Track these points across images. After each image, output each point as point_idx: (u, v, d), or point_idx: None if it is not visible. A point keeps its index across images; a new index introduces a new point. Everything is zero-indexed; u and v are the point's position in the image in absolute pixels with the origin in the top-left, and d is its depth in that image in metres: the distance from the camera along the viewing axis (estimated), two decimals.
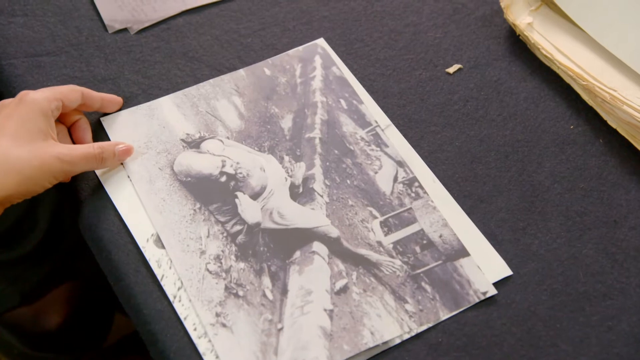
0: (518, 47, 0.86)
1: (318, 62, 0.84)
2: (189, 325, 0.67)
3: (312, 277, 0.70)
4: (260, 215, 0.74)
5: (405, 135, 0.79)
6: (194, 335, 0.67)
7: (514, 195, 0.75)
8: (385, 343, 0.67)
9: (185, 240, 0.72)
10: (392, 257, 0.72)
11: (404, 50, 0.86)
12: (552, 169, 0.77)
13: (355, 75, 0.83)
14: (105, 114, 0.80)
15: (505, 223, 0.74)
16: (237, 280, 0.70)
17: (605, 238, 0.73)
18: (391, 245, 0.72)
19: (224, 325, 0.67)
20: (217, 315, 0.68)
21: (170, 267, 0.70)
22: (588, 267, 0.71)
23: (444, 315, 0.68)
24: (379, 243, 0.72)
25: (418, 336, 0.67)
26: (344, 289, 0.70)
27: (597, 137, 0.79)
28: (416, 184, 0.76)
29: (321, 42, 0.86)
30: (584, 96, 0.81)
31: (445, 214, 0.74)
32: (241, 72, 0.84)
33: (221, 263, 0.71)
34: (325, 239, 0.73)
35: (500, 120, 0.80)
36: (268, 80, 0.83)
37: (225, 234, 0.72)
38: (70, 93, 0.74)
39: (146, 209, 0.73)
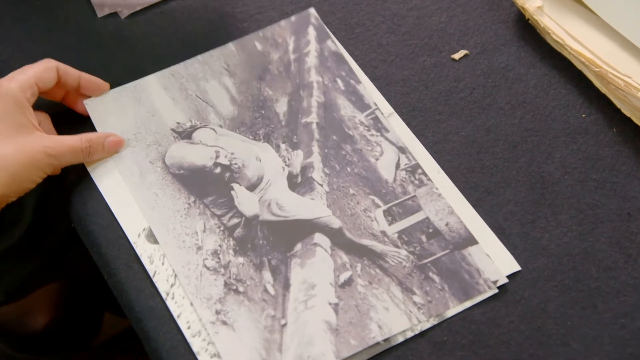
0: (527, 31, 0.85)
1: (312, 34, 0.84)
2: (182, 324, 0.68)
3: (315, 270, 0.71)
4: (258, 207, 0.74)
5: (408, 125, 0.79)
6: (187, 334, 0.68)
7: (522, 187, 0.76)
8: (387, 340, 0.67)
9: (181, 235, 0.72)
10: (397, 247, 0.72)
11: (407, 36, 0.86)
12: (562, 160, 0.77)
13: (356, 61, 0.83)
14: (89, 97, 0.80)
15: (514, 216, 0.74)
16: (236, 275, 0.71)
17: (618, 232, 0.73)
18: (396, 235, 0.73)
19: (224, 322, 0.68)
20: (217, 312, 0.68)
21: (162, 263, 0.71)
22: (600, 262, 0.71)
23: (454, 305, 0.69)
24: (383, 233, 0.73)
25: (422, 334, 0.68)
26: (349, 282, 0.70)
27: (610, 126, 0.79)
28: (419, 170, 0.76)
29: (313, 11, 0.86)
30: (597, 83, 0.81)
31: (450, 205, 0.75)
32: (231, 47, 0.83)
33: (219, 258, 0.71)
34: (327, 230, 0.73)
35: (509, 109, 0.81)
36: (260, 57, 0.83)
37: (222, 228, 0.73)
38: (45, 73, 0.74)
39: (138, 204, 0.74)
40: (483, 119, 0.80)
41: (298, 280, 0.70)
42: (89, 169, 0.76)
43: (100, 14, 0.87)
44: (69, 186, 0.76)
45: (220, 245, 0.72)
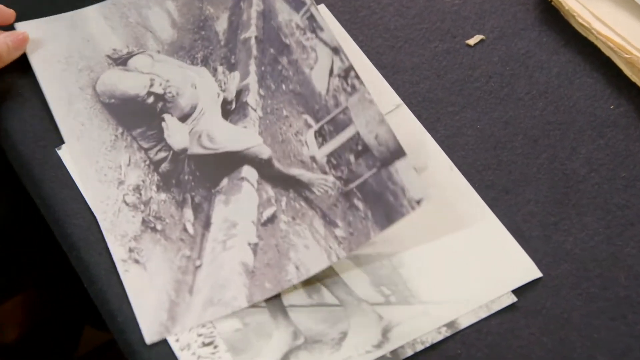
0: (549, 14, 0.86)
1: None
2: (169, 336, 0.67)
3: (239, 208, 0.72)
4: (187, 140, 0.77)
5: (418, 117, 0.79)
6: (175, 347, 0.67)
7: (544, 186, 0.75)
8: (394, 353, 0.67)
9: (103, 169, 0.74)
10: (325, 173, 0.74)
11: (417, 19, 0.86)
12: (588, 156, 0.77)
13: (361, 47, 0.84)
14: (20, 27, 0.81)
15: (534, 218, 0.74)
16: (156, 213, 0.72)
17: None
18: (325, 159, 0.74)
19: (136, 261, 0.70)
20: (131, 250, 0.70)
21: None
22: (630, 268, 0.71)
23: (375, 234, 0.70)
24: (312, 158, 0.75)
25: (433, 347, 0.67)
26: (272, 219, 0.72)
27: None
28: (352, 73, 0.76)
29: None
30: (627, 71, 0.81)
31: (463, 207, 0.74)
32: None
33: (140, 194, 0.73)
34: (255, 161, 0.75)
35: (529, 100, 0.80)
36: None
37: (147, 162, 0.75)
38: None
39: (63, 134, 0.76)
40: (500, 111, 0.80)
41: (220, 218, 0.72)
42: (60, 153, 0.76)
43: None
44: (44, 185, 0.76)
45: (143, 181, 0.74)
